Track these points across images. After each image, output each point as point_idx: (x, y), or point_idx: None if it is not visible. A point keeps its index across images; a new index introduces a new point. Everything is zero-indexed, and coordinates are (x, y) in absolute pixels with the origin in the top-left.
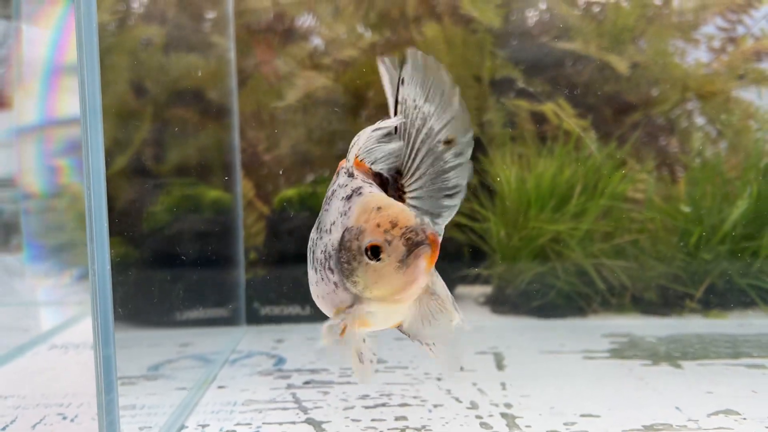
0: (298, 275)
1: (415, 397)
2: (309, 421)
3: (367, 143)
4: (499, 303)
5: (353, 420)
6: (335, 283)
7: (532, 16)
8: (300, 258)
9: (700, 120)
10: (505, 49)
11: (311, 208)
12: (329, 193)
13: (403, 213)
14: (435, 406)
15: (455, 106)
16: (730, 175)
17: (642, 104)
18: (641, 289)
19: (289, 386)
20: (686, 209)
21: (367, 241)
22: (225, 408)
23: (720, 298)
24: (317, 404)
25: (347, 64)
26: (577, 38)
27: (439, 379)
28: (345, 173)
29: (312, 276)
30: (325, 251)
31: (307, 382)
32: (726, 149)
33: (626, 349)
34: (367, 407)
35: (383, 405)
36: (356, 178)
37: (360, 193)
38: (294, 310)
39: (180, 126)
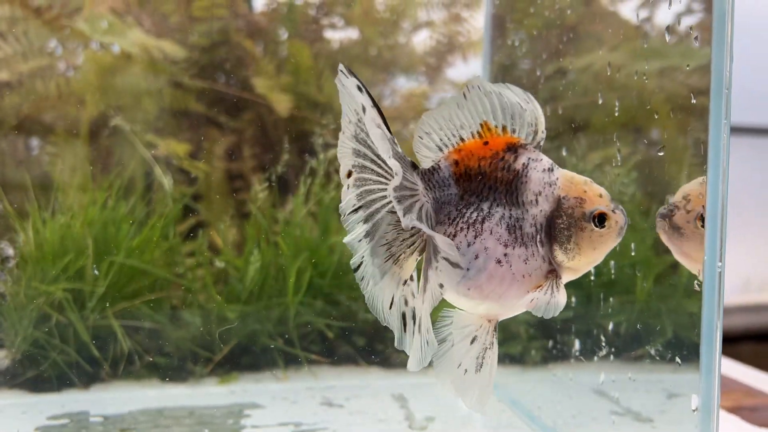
0: None
1: None
2: None
3: (502, 107)
4: None
5: None
6: (543, 257)
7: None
8: None
9: None
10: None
11: None
12: (515, 166)
13: None
14: None
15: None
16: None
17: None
18: (170, 353)
19: None
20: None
21: (595, 209)
22: None
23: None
24: None
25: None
26: (260, 75)
27: None
28: (533, 147)
29: (520, 254)
30: (535, 223)
31: None
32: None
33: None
34: None
35: None
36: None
37: (556, 167)
38: None
39: None
